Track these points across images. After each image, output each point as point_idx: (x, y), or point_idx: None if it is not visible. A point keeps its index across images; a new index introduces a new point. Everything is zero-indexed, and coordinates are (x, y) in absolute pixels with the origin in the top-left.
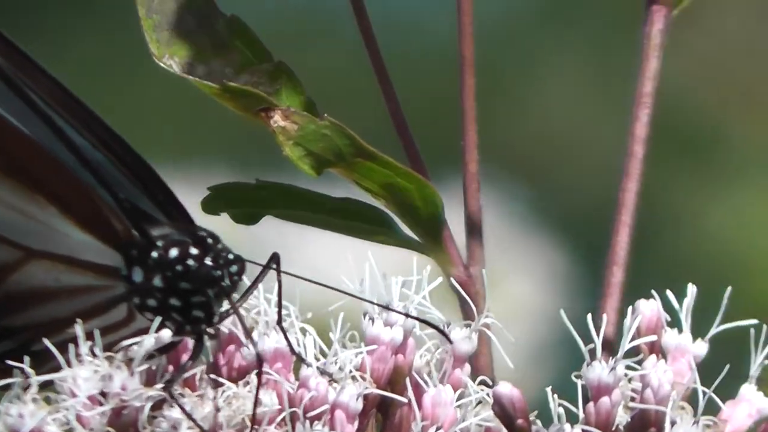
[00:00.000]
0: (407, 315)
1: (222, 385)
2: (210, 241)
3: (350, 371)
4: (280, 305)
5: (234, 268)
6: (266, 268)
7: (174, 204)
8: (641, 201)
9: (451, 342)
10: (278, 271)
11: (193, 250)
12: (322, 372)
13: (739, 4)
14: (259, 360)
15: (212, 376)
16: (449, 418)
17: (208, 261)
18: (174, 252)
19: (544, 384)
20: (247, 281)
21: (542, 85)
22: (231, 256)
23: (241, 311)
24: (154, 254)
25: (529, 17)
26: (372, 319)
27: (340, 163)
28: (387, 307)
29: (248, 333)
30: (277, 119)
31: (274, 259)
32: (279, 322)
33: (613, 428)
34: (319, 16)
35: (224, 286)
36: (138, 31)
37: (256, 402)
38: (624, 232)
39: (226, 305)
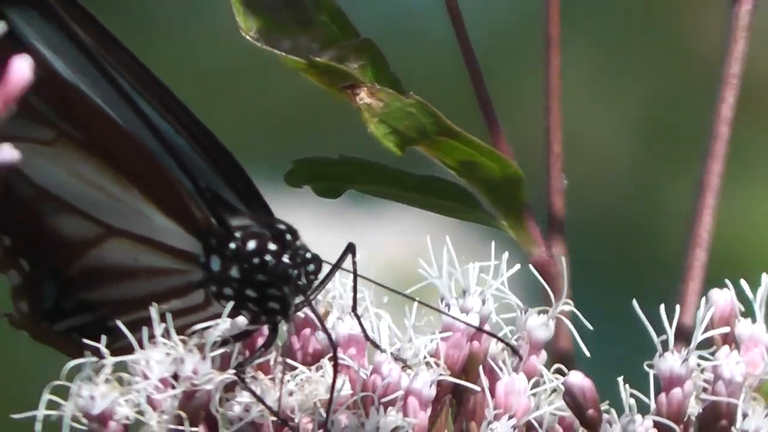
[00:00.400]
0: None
1: (295, 369)
2: (288, 237)
3: (424, 357)
4: (355, 291)
5: (310, 267)
6: (343, 257)
7: (254, 194)
8: (643, 199)
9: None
10: (353, 260)
11: (272, 246)
12: (396, 358)
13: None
14: (333, 345)
15: (286, 359)
16: (522, 407)
17: (285, 259)
18: (252, 244)
19: (617, 372)
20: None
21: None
22: (308, 255)
23: (319, 296)
24: (232, 245)
25: (527, 17)
26: (448, 305)
27: (424, 140)
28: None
29: (322, 322)
30: (363, 96)
31: (351, 249)
32: (354, 308)
33: (685, 419)
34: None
35: (300, 284)
36: (151, 24)
37: (333, 387)
38: (707, 213)
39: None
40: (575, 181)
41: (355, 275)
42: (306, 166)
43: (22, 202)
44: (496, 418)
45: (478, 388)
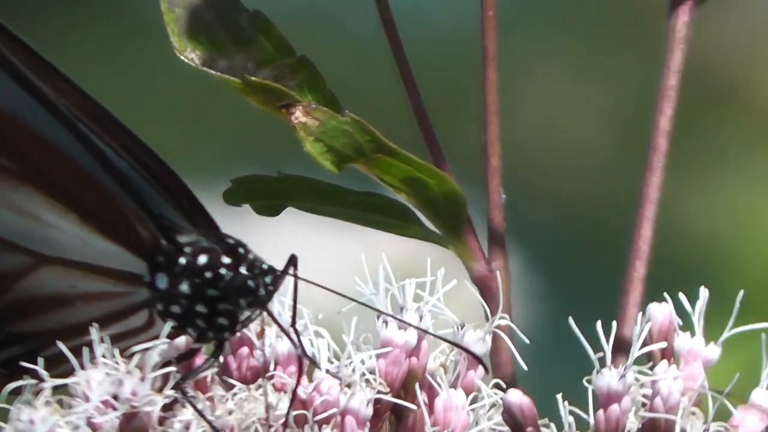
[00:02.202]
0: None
1: (233, 387)
2: (241, 250)
3: (363, 375)
4: (294, 308)
5: (268, 278)
6: (285, 271)
7: (200, 212)
8: (628, 197)
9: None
10: (295, 275)
11: (225, 259)
12: (335, 375)
13: (725, 6)
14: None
15: (226, 378)
16: (461, 423)
17: (243, 270)
18: (203, 259)
19: (556, 386)
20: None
21: (526, 84)
22: (265, 266)
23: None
24: (182, 260)
25: (514, 15)
26: (386, 322)
27: (361, 158)
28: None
29: (287, 332)
30: (298, 115)
31: (292, 261)
32: (293, 324)
33: None
34: (328, 12)
35: (259, 296)
36: (151, 27)
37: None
38: (647, 226)
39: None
40: (553, 178)
41: (296, 290)
42: (244, 185)
43: None
44: None
45: (414, 408)
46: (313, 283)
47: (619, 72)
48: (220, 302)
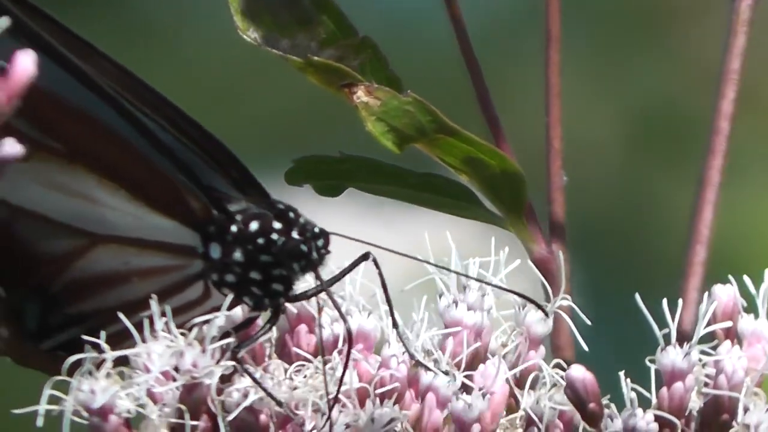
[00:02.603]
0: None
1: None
2: (292, 214)
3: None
4: (390, 306)
5: (320, 242)
6: (353, 266)
7: (250, 181)
8: (637, 197)
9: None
10: (380, 274)
11: (276, 224)
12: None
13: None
14: (350, 336)
15: (295, 349)
16: (499, 388)
17: (294, 234)
18: (255, 225)
19: (617, 368)
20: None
21: (537, 87)
22: (316, 230)
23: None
24: (234, 228)
25: (515, 16)
26: (455, 302)
27: (423, 138)
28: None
29: (339, 309)
30: (360, 95)
31: (365, 258)
32: (395, 325)
33: (686, 413)
34: None
35: (312, 259)
36: (141, 28)
37: (342, 379)
38: (708, 210)
39: (305, 282)
40: (570, 178)
41: (384, 285)
42: (306, 165)
43: None
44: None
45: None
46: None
47: (631, 74)
48: (273, 268)
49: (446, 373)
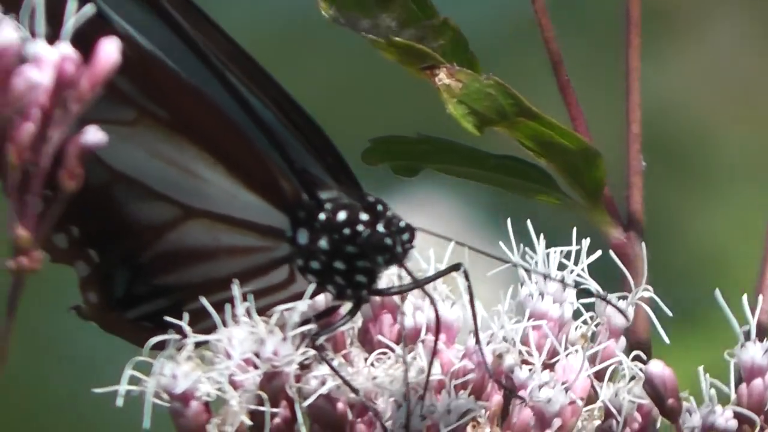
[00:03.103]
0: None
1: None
2: (380, 207)
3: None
4: (474, 314)
5: (405, 236)
6: (443, 273)
7: (343, 168)
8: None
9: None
10: (469, 286)
11: (364, 216)
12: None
13: (730, 13)
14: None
15: (380, 337)
16: (579, 383)
17: (380, 228)
18: (342, 215)
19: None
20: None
21: (542, 92)
22: (402, 224)
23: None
24: (322, 216)
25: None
26: (542, 294)
27: (503, 122)
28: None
29: (433, 300)
30: (442, 77)
31: (456, 269)
32: (477, 340)
33: (766, 409)
34: None
35: (396, 253)
36: None
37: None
38: None
39: (387, 275)
40: None
41: (471, 299)
42: (384, 145)
43: (95, 188)
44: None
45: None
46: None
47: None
48: (358, 259)
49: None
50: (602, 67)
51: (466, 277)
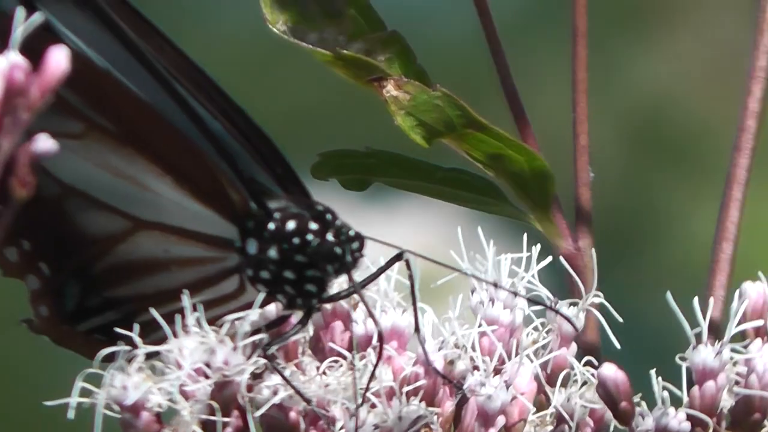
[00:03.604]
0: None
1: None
2: (329, 216)
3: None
4: (415, 308)
5: (355, 245)
6: (388, 265)
7: (292, 178)
8: (641, 202)
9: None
10: (411, 276)
11: (313, 225)
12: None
13: (730, 7)
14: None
15: (331, 344)
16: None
17: (329, 237)
18: (292, 224)
19: (648, 367)
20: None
21: (534, 93)
22: (352, 233)
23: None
24: (271, 226)
25: (520, 23)
26: (492, 300)
27: (451, 133)
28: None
29: (371, 311)
30: (390, 88)
31: (399, 258)
32: (417, 328)
33: (717, 412)
34: None
35: (346, 262)
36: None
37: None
38: (735, 207)
39: (337, 282)
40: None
41: (413, 288)
42: (333, 159)
43: (45, 202)
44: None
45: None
46: (419, 256)
47: (629, 78)
48: (307, 268)
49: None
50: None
51: (408, 267)
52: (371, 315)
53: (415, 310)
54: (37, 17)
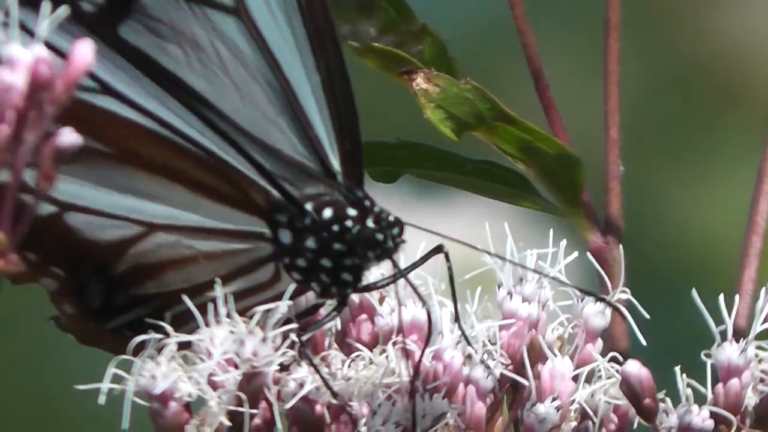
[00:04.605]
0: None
1: (350, 353)
2: (367, 202)
3: (484, 345)
4: (455, 300)
5: (395, 230)
6: (428, 255)
7: (356, 160)
8: (638, 191)
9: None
10: (449, 266)
11: (351, 211)
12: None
13: (727, 1)
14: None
15: (350, 340)
16: (567, 390)
17: (369, 223)
18: (328, 213)
19: (673, 364)
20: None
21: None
22: (391, 218)
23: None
24: (306, 215)
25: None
26: (510, 294)
27: (481, 126)
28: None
29: (422, 298)
30: (420, 81)
31: (439, 251)
32: (457, 318)
33: (742, 410)
34: None
35: (387, 248)
36: None
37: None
38: (764, 201)
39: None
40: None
41: (452, 280)
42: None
43: (44, 219)
44: (540, 400)
45: (525, 382)
46: (458, 241)
47: (624, 66)
48: (346, 256)
49: (486, 365)
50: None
51: (447, 258)
52: (421, 300)
53: (454, 300)
54: (63, 11)
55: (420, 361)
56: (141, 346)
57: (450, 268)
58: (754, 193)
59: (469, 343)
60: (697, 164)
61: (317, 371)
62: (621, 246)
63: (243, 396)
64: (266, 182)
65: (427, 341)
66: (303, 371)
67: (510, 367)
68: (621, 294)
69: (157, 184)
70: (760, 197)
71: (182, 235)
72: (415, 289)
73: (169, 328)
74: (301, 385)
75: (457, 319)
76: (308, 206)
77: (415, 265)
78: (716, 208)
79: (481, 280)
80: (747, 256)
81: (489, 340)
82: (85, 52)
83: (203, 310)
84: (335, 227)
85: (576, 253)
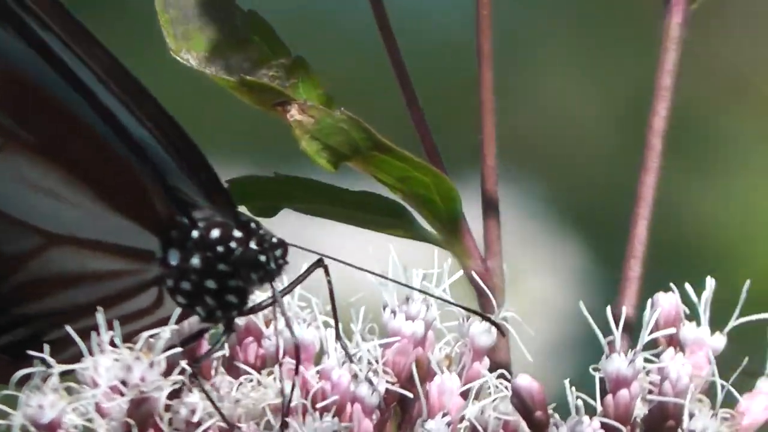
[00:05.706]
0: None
1: (238, 376)
2: (253, 225)
3: (369, 364)
4: (335, 315)
5: (279, 252)
6: (308, 273)
7: (217, 188)
8: (629, 189)
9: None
10: (329, 282)
11: (237, 233)
12: (351, 359)
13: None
14: (277, 352)
15: (237, 363)
16: (456, 406)
17: (252, 245)
18: (216, 233)
19: (562, 378)
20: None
21: (535, 77)
22: (275, 240)
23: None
24: (195, 235)
25: (517, 7)
26: (393, 312)
27: (357, 156)
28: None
29: (289, 322)
30: (294, 113)
31: (319, 265)
32: (338, 335)
33: (632, 420)
34: (329, 11)
35: (270, 270)
36: (150, 26)
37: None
38: (642, 225)
39: (256, 294)
40: (560, 162)
41: (332, 294)
42: (241, 185)
43: None
44: (431, 416)
45: (411, 395)
46: (342, 262)
47: (620, 63)
48: (230, 278)
49: (370, 381)
50: None
51: (327, 273)
52: (289, 327)
53: (335, 316)
54: None
55: (293, 387)
56: (23, 380)
57: (330, 282)
58: (632, 216)
59: (350, 360)
60: (694, 156)
61: (208, 397)
62: (504, 268)
63: (132, 422)
64: (166, 194)
65: (297, 366)
66: (194, 397)
67: (396, 384)
68: (506, 313)
69: (69, 186)
70: (638, 221)
71: (78, 250)
72: (284, 312)
73: (49, 359)
74: (193, 412)
75: (338, 336)
76: (200, 224)
77: (295, 282)
78: (718, 202)
79: (368, 301)
80: (626, 280)
81: (376, 359)
82: None
83: (85, 335)
84: (220, 248)
85: (461, 272)
